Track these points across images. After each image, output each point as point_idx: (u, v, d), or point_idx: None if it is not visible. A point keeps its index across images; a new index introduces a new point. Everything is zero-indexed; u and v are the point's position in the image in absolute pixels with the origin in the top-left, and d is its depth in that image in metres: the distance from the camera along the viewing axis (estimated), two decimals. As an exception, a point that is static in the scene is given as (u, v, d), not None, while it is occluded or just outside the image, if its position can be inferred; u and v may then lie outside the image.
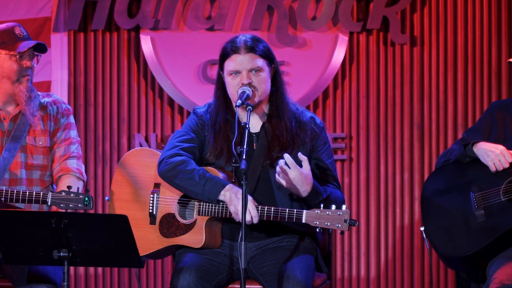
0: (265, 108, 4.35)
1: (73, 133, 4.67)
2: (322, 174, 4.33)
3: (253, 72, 4.24)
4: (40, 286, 4.25)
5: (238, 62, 4.23)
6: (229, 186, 4.13)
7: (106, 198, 4.47)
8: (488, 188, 4.33)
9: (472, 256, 4.29)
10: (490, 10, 6.36)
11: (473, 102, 6.38)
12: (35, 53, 4.61)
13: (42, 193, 4.26)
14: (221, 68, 4.32)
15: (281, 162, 4.08)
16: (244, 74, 4.22)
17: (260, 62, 4.25)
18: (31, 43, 4.55)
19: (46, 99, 4.68)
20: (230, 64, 4.25)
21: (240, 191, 4.04)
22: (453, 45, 6.39)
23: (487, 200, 4.32)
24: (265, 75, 4.26)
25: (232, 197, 4.09)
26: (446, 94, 6.40)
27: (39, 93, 4.71)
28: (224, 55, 4.29)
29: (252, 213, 4.07)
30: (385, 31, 6.39)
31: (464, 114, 6.38)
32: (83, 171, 4.65)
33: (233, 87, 4.25)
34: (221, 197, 4.12)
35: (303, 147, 4.31)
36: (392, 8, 6.34)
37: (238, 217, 4.08)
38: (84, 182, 4.63)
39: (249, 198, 4.10)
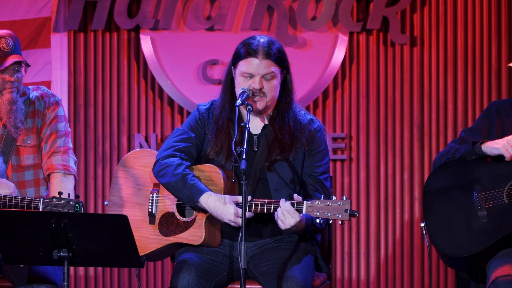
0: (270, 110, 4.35)
1: (61, 125, 4.62)
2: (310, 178, 4.33)
3: (266, 78, 4.23)
4: (41, 286, 4.24)
5: (254, 66, 4.21)
6: (208, 194, 4.14)
7: (106, 202, 4.47)
8: (492, 188, 4.32)
9: (473, 256, 4.28)
10: (490, 10, 6.36)
11: (473, 102, 6.38)
12: (23, 62, 4.55)
13: (34, 200, 4.26)
14: (234, 65, 4.29)
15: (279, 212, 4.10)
16: (257, 79, 4.21)
17: (274, 69, 4.24)
18: (10, 61, 4.48)
19: (35, 93, 4.64)
20: (245, 66, 4.23)
21: (226, 199, 4.10)
22: (453, 45, 6.39)
23: (490, 201, 4.31)
24: (276, 82, 4.27)
25: (216, 208, 4.12)
26: (446, 94, 6.40)
27: (29, 87, 4.68)
28: (240, 55, 4.26)
29: (248, 214, 4.09)
30: (385, 31, 6.39)
31: (464, 114, 6.38)
32: (71, 164, 4.58)
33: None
34: (200, 205, 4.16)
35: (300, 150, 4.32)
36: (392, 8, 6.34)
37: (233, 225, 4.14)
38: (74, 175, 4.59)
39: (230, 200, 4.14)
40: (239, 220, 4.08)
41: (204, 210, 4.18)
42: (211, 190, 4.16)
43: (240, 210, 4.06)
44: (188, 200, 4.18)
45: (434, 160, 4.57)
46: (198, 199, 4.14)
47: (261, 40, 4.26)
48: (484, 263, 4.30)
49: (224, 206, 4.11)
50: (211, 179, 4.24)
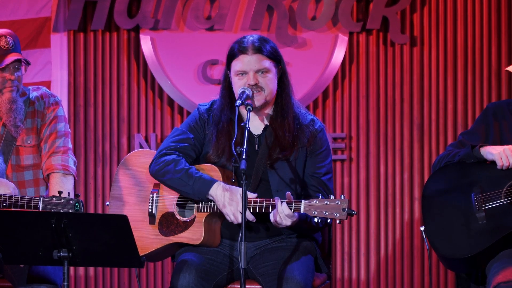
0: (269, 109, 4.35)
1: (60, 126, 4.61)
2: (313, 179, 4.33)
3: (260, 73, 4.24)
4: (41, 286, 4.24)
5: (245, 62, 4.23)
6: (217, 184, 4.14)
7: (107, 203, 4.47)
8: (490, 190, 4.33)
9: (471, 258, 4.28)
10: (490, 10, 6.36)
11: (473, 102, 6.38)
12: (23, 60, 4.55)
13: (34, 199, 4.26)
14: (228, 67, 4.31)
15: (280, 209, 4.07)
16: (251, 75, 4.22)
17: (267, 63, 4.25)
18: (11, 59, 4.48)
19: (35, 94, 4.64)
20: (237, 64, 4.25)
21: (232, 190, 4.09)
22: (453, 45, 6.39)
23: (488, 202, 4.31)
24: (272, 76, 4.27)
25: (223, 198, 4.11)
26: (446, 94, 6.40)
27: (29, 87, 4.68)
28: (231, 55, 4.28)
29: (249, 217, 4.09)
30: (385, 31, 6.39)
31: (464, 114, 6.38)
32: (70, 164, 4.58)
33: (240, 87, 4.24)
34: (209, 196, 4.15)
35: (302, 150, 4.31)
36: (392, 8, 6.33)
37: (232, 218, 4.11)
38: (73, 175, 4.59)
39: (238, 194, 4.10)
40: (239, 216, 4.08)
41: (211, 202, 4.17)
42: (216, 180, 4.17)
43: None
44: (197, 193, 4.16)
45: (433, 164, 4.58)
46: (208, 191, 4.14)
47: (250, 38, 4.29)
48: (484, 264, 4.30)
49: (231, 197, 4.09)
50: None
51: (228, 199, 4.11)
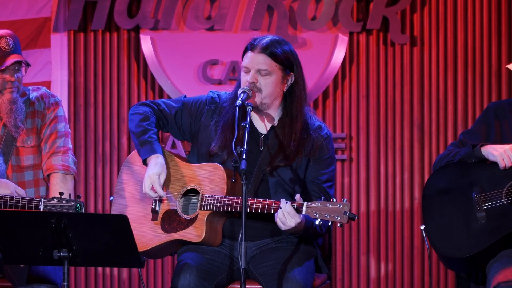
0: (275, 112, 4.33)
1: (60, 126, 4.61)
2: (314, 185, 4.33)
3: (261, 73, 4.23)
4: (41, 286, 4.24)
5: (249, 59, 4.23)
6: (155, 156, 4.26)
7: (111, 198, 4.49)
8: (491, 189, 4.32)
9: (471, 257, 4.28)
10: (490, 10, 6.36)
11: (473, 102, 6.38)
12: (23, 61, 4.55)
13: (35, 200, 4.26)
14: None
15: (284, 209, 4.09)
16: (252, 73, 4.22)
17: (271, 66, 4.22)
18: (11, 61, 4.48)
19: (35, 94, 4.64)
20: (244, 60, 4.26)
21: (163, 170, 4.23)
22: (453, 45, 6.39)
23: (489, 202, 4.31)
24: (274, 79, 4.24)
25: (148, 168, 4.23)
26: (446, 94, 6.40)
27: (29, 87, 4.68)
28: (245, 50, 4.29)
29: (161, 193, 4.22)
30: (385, 31, 6.39)
31: (464, 114, 6.38)
32: (71, 164, 4.58)
33: (243, 83, 4.26)
34: (146, 163, 4.28)
35: (305, 158, 4.30)
36: (392, 8, 6.34)
37: (145, 186, 4.23)
38: (73, 176, 4.60)
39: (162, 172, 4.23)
40: (147, 190, 4.21)
41: (214, 200, 4.21)
42: (162, 154, 4.27)
43: (159, 188, 4.20)
44: (140, 153, 4.30)
45: (434, 163, 4.57)
46: (146, 157, 4.27)
47: (266, 38, 4.27)
48: (484, 264, 4.30)
49: (151, 173, 4.21)
50: (214, 177, 4.24)
51: (147, 172, 4.23)
